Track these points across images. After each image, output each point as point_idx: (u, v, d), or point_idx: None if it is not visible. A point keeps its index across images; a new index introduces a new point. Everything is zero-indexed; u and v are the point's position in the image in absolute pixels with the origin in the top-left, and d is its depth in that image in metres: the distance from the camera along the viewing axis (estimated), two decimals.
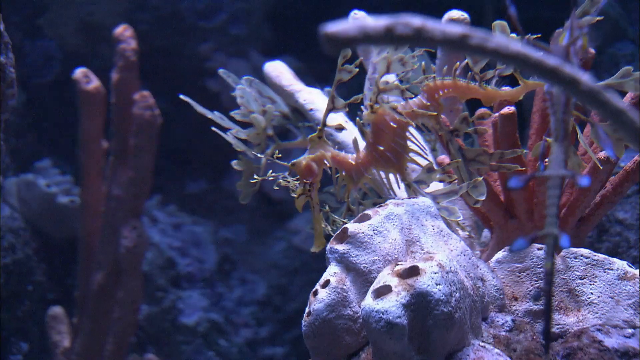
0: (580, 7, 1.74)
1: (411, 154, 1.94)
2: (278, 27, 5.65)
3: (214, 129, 2.18)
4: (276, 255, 5.10)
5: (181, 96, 2.21)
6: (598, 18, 1.72)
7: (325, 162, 1.92)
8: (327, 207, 2.01)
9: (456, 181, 1.92)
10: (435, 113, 1.91)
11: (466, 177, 1.90)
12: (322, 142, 1.93)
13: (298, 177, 1.91)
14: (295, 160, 1.92)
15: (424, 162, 1.96)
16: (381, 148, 1.91)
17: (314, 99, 2.40)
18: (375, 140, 1.92)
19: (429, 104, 1.92)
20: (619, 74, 1.78)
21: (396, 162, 1.93)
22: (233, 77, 2.39)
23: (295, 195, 1.92)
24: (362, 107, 1.93)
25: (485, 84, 1.94)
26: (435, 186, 1.98)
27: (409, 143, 1.93)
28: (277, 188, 1.95)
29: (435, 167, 1.92)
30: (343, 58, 1.83)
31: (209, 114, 2.22)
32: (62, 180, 4.49)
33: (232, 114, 2.30)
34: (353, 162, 1.94)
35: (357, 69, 1.86)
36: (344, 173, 1.94)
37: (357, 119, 1.94)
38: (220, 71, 2.42)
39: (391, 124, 1.90)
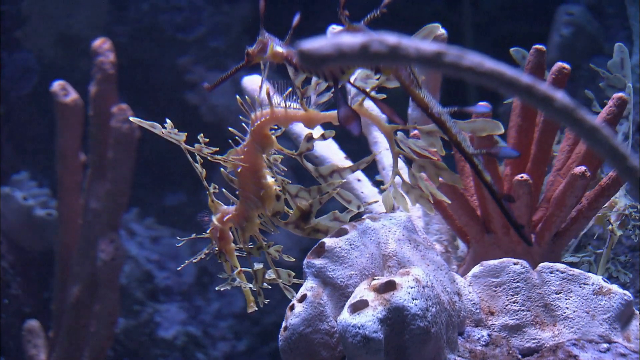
0: None
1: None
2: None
3: None
4: None
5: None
6: None
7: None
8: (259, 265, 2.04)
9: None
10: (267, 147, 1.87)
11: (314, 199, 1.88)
12: (215, 204, 1.96)
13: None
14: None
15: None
16: (246, 191, 1.90)
17: None
18: (242, 185, 1.90)
19: (254, 144, 1.86)
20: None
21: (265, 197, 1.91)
22: None
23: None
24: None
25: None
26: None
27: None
28: None
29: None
30: None
31: None
32: (39, 193, 4.47)
33: None
34: (237, 213, 1.93)
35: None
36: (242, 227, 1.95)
37: (222, 170, 1.93)
38: None
39: (242, 170, 1.89)
